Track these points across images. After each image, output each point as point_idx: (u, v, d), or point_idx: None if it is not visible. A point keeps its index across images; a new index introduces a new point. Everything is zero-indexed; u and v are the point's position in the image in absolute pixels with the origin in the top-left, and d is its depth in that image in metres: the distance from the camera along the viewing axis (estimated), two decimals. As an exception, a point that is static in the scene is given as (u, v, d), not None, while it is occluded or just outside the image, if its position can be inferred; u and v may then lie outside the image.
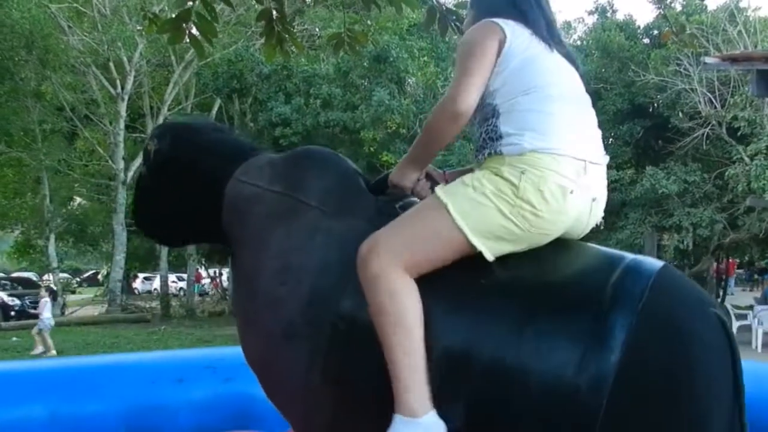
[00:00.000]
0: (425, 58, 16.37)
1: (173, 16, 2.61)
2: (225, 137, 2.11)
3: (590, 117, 1.66)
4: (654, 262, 1.55)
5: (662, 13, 17.35)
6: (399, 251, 1.48)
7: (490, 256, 1.49)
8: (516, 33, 1.57)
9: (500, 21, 1.58)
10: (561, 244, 1.60)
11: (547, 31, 1.64)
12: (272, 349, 1.73)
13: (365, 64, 15.54)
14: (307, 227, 1.76)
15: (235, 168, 1.93)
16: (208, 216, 1.96)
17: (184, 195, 2.00)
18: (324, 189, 1.81)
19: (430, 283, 1.52)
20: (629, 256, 1.59)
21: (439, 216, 1.49)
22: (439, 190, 1.54)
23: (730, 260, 21.77)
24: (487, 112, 1.57)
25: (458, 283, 1.53)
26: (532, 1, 1.66)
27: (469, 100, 1.50)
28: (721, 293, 18.76)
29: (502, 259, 1.52)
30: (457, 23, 2.99)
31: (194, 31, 2.63)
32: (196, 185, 1.98)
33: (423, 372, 1.44)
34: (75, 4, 17.18)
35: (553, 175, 1.46)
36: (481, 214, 1.47)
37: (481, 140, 1.57)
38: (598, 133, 1.66)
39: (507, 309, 1.48)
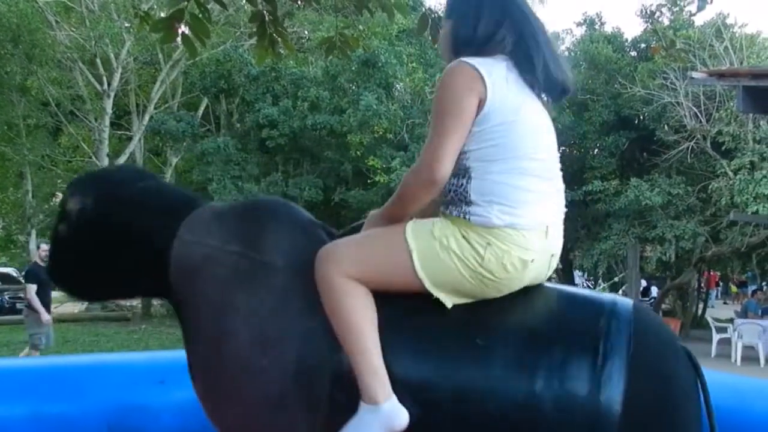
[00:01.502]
0: (414, 64, 16.41)
1: (166, 15, 2.59)
2: (155, 187, 1.98)
3: (557, 174, 1.66)
4: (627, 303, 1.68)
5: (650, 27, 17.54)
6: (351, 263, 1.55)
7: (449, 303, 1.57)
8: (496, 85, 1.52)
9: (481, 68, 1.52)
10: (533, 288, 1.67)
11: (542, 69, 1.59)
12: (259, 421, 1.67)
13: (353, 68, 15.55)
14: (279, 290, 1.68)
15: (174, 222, 1.81)
16: (143, 273, 1.86)
17: (115, 254, 1.86)
18: (287, 245, 1.74)
19: (393, 316, 1.59)
20: (604, 298, 1.70)
21: (402, 256, 1.54)
22: (408, 230, 1.56)
23: (712, 273, 21.97)
24: (459, 168, 1.56)
25: (424, 319, 1.60)
26: (527, 31, 1.59)
27: (445, 168, 1.51)
28: (702, 306, 18.93)
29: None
30: (450, 31, 3.00)
31: (186, 30, 2.62)
32: (129, 244, 1.85)
33: (380, 366, 1.52)
34: (63, -1, 17.05)
35: (517, 249, 1.52)
36: (442, 269, 1.53)
37: (450, 196, 1.59)
38: (562, 187, 1.68)
39: (496, 356, 1.56)
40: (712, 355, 12.38)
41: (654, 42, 16.74)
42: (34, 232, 19.20)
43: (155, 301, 20.47)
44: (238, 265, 1.72)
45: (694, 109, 14.79)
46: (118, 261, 1.87)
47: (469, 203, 1.54)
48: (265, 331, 1.65)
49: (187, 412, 2.77)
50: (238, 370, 1.66)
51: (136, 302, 20.81)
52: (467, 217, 1.54)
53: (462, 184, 1.55)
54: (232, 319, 1.68)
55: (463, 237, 1.53)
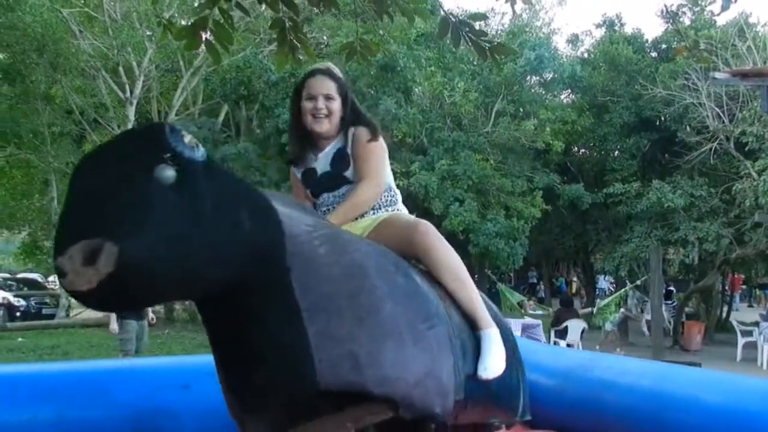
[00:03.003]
0: (432, 68, 16.40)
1: (190, 23, 2.63)
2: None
3: None
4: None
5: (671, 27, 17.37)
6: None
7: None
8: None
9: None
10: None
11: None
12: (443, 355, 1.83)
13: (372, 72, 15.58)
14: (372, 252, 1.88)
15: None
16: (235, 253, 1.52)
17: (231, 218, 1.51)
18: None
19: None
20: None
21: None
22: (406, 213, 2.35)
23: (736, 276, 21.67)
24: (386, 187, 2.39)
25: None
26: None
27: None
28: (726, 309, 18.66)
29: None
30: (470, 35, 2.99)
31: (210, 37, 2.65)
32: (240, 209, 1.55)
33: None
34: (86, 9, 17.30)
35: None
36: None
37: (383, 201, 2.31)
38: None
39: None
40: (738, 359, 12.21)
41: (675, 42, 16.60)
42: (58, 239, 19.44)
43: (178, 305, 20.64)
44: (326, 227, 1.83)
45: (717, 109, 14.62)
46: (229, 230, 1.46)
47: (395, 203, 2.34)
48: (395, 271, 1.87)
49: (211, 416, 2.80)
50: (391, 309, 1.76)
51: (158, 307, 21.00)
52: (395, 210, 2.33)
53: (389, 194, 2.32)
54: (367, 277, 1.75)
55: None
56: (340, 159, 2.28)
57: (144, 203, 1.30)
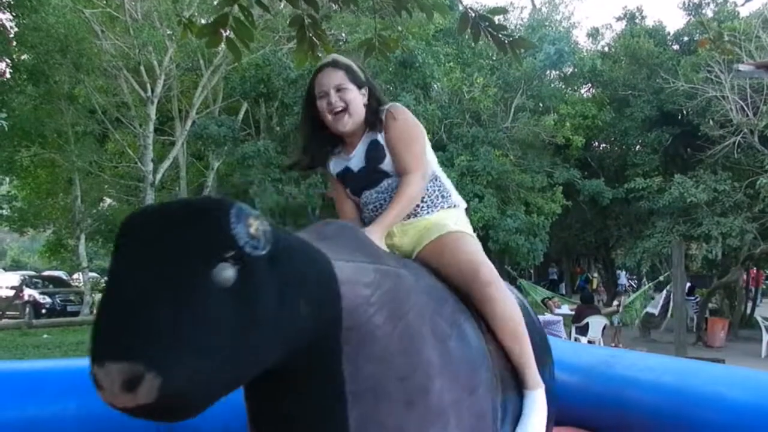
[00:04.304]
0: (451, 64, 16.36)
1: (210, 20, 2.65)
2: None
3: None
4: None
5: (694, 19, 17.15)
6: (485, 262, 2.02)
7: None
8: None
9: None
10: None
11: None
12: (482, 429, 1.69)
13: (391, 69, 15.57)
14: (430, 295, 1.75)
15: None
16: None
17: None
18: (382, 251, 1.78)
19: None
20: None
21: (472, 239, 2.10)
22: (452, 226, 2.07)
23: (759, 271, 21.34)
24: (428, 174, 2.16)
25: None
26: None
27: None
28: (750, 305, 18.41)
29: None
30: (490, 29, 2.99)
31: (230, 34, 2.67)
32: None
33: None
34: (108, 9, 17.48)
35: None
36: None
37: (434, 195, 2.15)
38: None
39: None
40: (763, 355, 12.05)
41: (698, 35, 16.39)
42: (83, 237, 19.73)
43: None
44: (385, 279, 1.59)
45: (741, 102, 14.41)
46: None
47: (449, 196, 2.18)
48: (447, 333, 1.73)
49: (228, 412, 2.82)
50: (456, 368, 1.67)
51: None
52: (453, 204, 2.18)
53: (437, 184, 2.16)
54: (421, 353, 1.58)
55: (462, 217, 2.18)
56: (374, 151, 2.11)
57: (197, 318, 1.10)
